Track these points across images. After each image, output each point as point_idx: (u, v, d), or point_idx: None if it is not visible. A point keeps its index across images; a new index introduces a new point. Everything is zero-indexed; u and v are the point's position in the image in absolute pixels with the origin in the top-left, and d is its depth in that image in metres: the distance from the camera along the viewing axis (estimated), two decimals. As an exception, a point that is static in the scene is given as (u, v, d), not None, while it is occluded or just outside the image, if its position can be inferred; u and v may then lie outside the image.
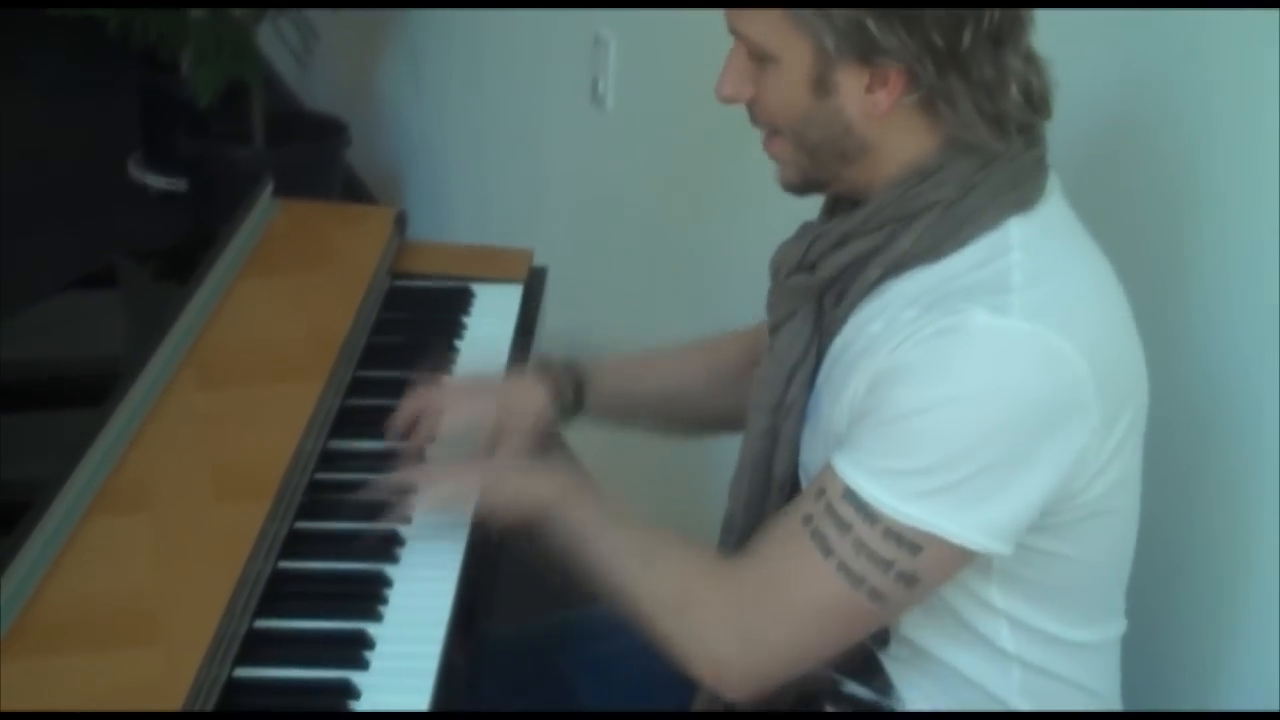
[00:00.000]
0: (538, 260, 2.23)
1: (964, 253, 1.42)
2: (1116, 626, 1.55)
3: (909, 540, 1.36)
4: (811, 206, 1.58)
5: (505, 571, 1.77)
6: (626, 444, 1.97)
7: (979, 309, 1.35)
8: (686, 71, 2.78)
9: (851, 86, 1.42)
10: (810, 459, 1.54)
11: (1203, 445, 1.66)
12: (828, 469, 1.41)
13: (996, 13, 1.39)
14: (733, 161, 2.65)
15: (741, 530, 1.58)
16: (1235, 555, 1.64)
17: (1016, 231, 1.42)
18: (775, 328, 1.56)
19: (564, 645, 1.81)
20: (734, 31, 1.47)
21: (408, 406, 1.77)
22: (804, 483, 1.55)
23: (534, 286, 2.18)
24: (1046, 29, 1.46)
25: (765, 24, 1.43)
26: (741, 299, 2.65)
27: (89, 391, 1.68)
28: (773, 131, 1.50)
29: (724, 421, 1.83)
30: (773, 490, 1.57)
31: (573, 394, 1.81)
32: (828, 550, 1.38)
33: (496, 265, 2.22)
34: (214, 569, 1.46)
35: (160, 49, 3.90)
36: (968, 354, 1.35)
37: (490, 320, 2.09)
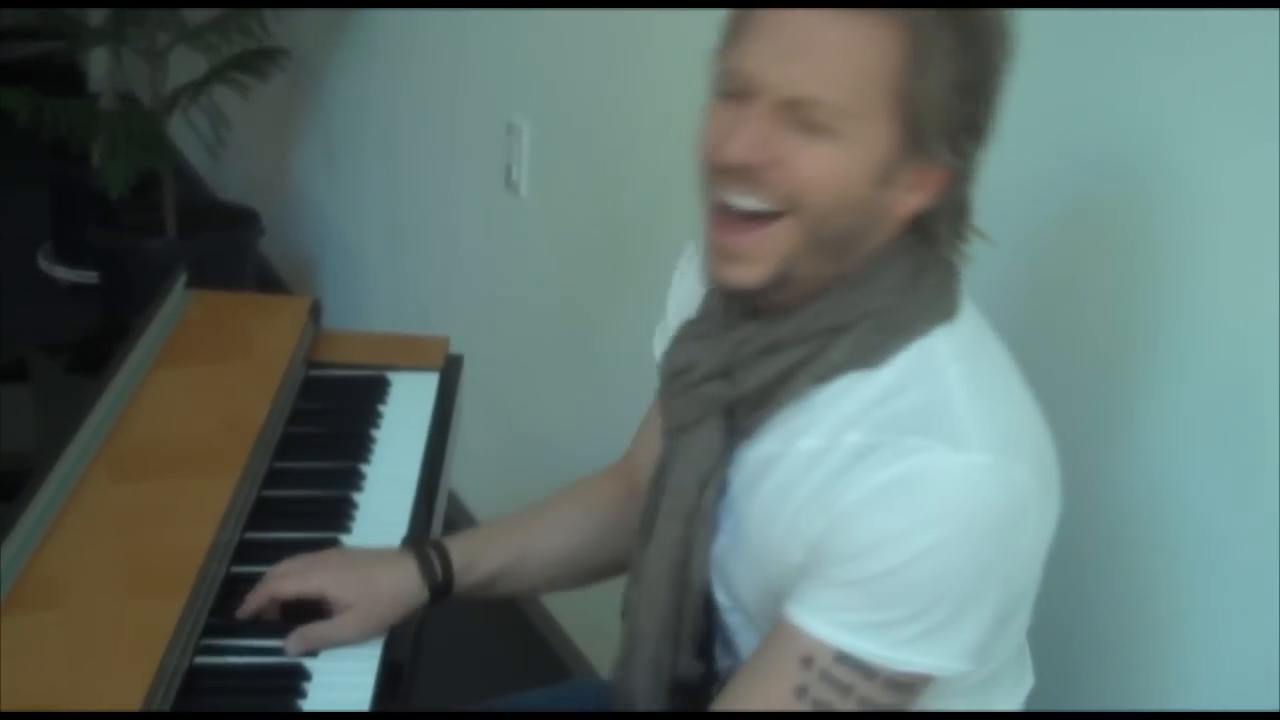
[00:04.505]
0: (454, 347, 2.23)
1: (894, 363, 1.36)
2: (1026, 683, 1.53)
3: (908, 684, 1.33)
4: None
5: (427, 658, 1.75)
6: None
7: (938, 445, 1.29)
8: (599, 158, 2.80)
9: (906, 183, 1.32)
10: (736, 573, 1.46)
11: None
12: (800, 633, 1.33)
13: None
14: (645, 247, 2.66)
15: (657, 649, 1.49)
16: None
17: (945, 343, 1.36)
18: (679, 430, 1.47)
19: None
20: (787, 88, 1.28)
21: (263, 589, 1.60)
22: (721, 596, 1.48)
23: (450, 374, 2.18)
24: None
25: (857, 91, 1.27)
26: (653, 385, 2.63)
27: (0, 487, 1.66)
28: (781, 212, 1.32)
29: (622, 564, 1.67)
30: (689, 602, 1.48)
31: (443, 573, 1.62)
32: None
33: (412, 353, 2.21)
34: (129, 667, 1.43)
35: (71, 140, 3.89)
36: (937, 498, 1.28)
37: (407, 409, 2.08)
